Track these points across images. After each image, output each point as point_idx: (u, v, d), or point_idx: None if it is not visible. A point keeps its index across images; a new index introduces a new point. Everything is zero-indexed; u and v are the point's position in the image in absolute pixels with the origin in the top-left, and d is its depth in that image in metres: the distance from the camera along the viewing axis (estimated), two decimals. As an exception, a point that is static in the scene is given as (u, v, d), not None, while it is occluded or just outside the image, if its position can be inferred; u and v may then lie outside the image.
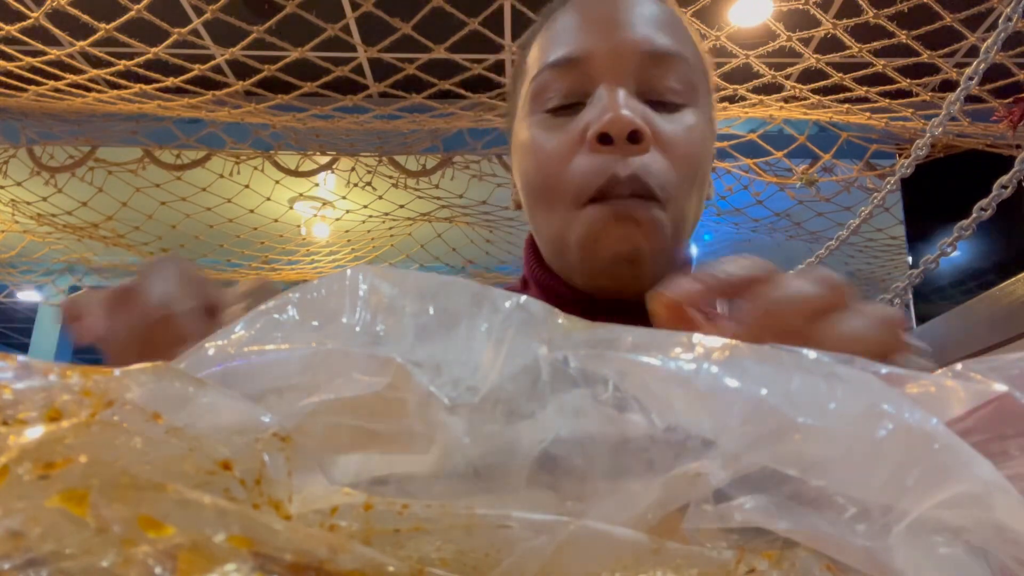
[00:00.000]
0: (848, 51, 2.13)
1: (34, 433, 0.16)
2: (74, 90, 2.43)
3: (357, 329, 0.22)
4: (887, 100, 2.37)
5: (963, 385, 0.23)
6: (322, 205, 3.68)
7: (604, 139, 0.51)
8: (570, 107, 0.55)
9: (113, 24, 2.02)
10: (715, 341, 0.21)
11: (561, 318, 0.23)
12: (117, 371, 0.18)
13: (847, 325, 0.33)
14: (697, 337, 0.22)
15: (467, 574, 0.18)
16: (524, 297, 0.23)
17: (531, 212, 0.59)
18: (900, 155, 2.73)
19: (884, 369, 0.22)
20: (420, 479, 0.20)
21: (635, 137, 0.51)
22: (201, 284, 0.41)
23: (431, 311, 0.22)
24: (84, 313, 0.40)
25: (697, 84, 0.58)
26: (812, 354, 0.22)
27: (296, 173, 2.99)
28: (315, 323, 0.22)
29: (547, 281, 0.60)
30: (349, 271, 0.23)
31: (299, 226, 3.80)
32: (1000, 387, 0.22)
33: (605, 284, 0.56)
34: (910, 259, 3.45)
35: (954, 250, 1.37)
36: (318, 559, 0.16)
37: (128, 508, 0.15)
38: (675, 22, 0.60)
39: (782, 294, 0.33)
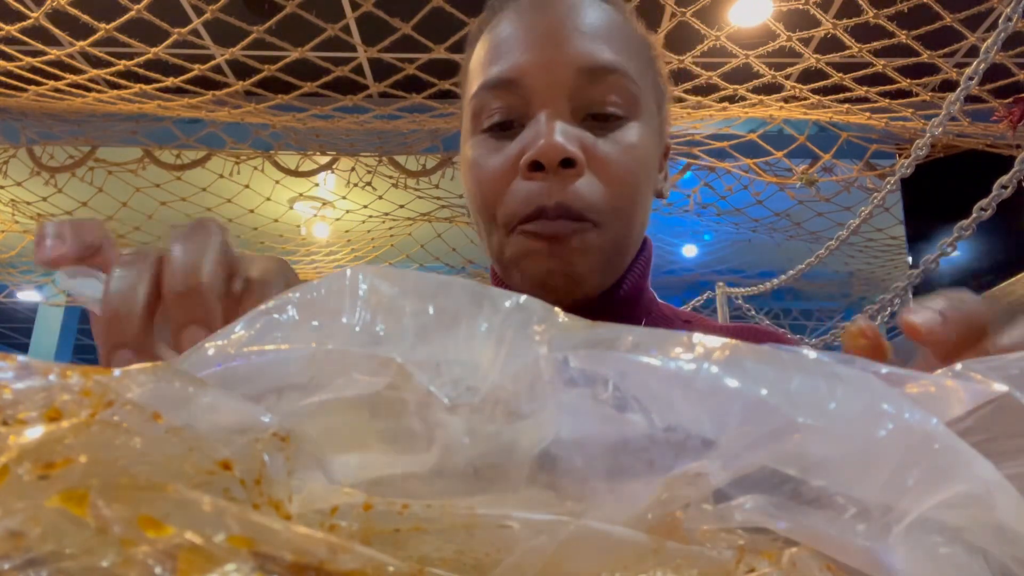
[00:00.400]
0: (848, 51, 2.13)
1: (34, 433, 0.16)
2: (74, 90, 2.43)
3: (357, 329, 0.22)
4: (887, 100, 2.37)
5: (963, 385, 0.23)
6: (322, 205, 3.68)
7: (536, 167, 0.52)
8: (509, 126, 0.55)
9: (113, 24, 2.02)
10: (715, 341, 0.21)
11: (561, 316, 0.23)
12: (117, 371, 0.18)
13: None
14: (697, 337, 0.22)
15: (467, 574, 0.18)
16: (524, 297, 0.23)
17: (476, 227, 0.60)
18: (900, 155, 2.74)
19: (884, 369, 0.22)
20: (420, 478, 0.20)
21: (567, 163, 0.52)
22: (234, 260, 0.35)
23: (431, 311, 0.22)
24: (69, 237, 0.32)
25: (639, 95, 0.56)
26: (812, 354, 0.22)
27: (296, 173, 2.99)
28: (315, 323, 0.22)
29: (501, 286, 0.61)
30: (349, 271, 0.23)
31: (299, 226, 3.81)
32: (1000, 387, 0.22)
33: (545, 298, 0.56)
34: (910, 259, 3.45)
35: (954, 250, 1.37)
36: (318, 559, 0.16)
37: (128, 508, 0.15)
38: (615, 29, 0.58)
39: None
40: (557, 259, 0.53)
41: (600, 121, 0.55)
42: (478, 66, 0.58)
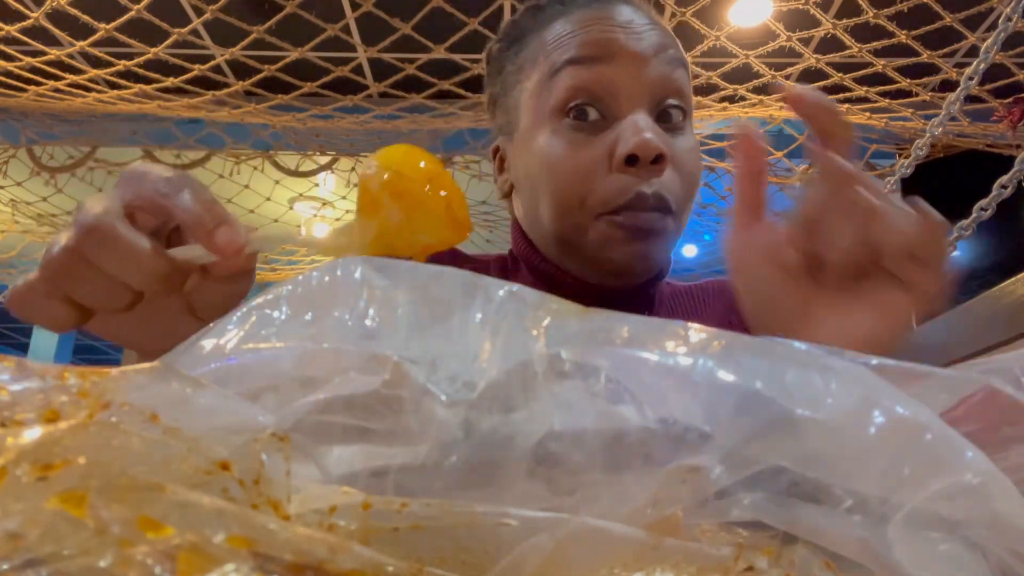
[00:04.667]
0: (848, 51, 2.13)
1: (32, 435, 0.16)
2: (74, 90, 2.43)
3: (349, 323, 0.22)
4: (887, 100, 2.37)
5: (952, 376, 0.23)
6: (322, 205, 3.68)
7: (631, 160, 0.56)
8: (594, 124, 0.59)
9: (113, 24, 2.02)
10: (710, 334, 0.21)
11: (555, 303, 0.23)
12: (114, 372, 0.18)
13: (893, 220, 0.38)
14: (692, 329, 0.22)
15: (466, 572, 0.18)
16: (516, 285, 0.23)
17: (534, 211, 0.63)
18: (900, 155, 2.73)
19: (874, 360, 0.22)
20: (417, 475, 0.20)
21: (658, 159, 0.56)
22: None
23: (424, 302, 0.22)
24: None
25: (691, 96, 0.64)
26: (804, 346, 0.22)
27: (296, 173, 2.99)
28: (307, 317, 0.22)
29: (543, 268, 0.65)
30: (340, 262, 0.23)
31: (299, 226, 3.80)
32: (987, 377, 0.22)
33: (610, 282, 0.61)
34: (910, 259, 3.44)
35: (954, 250, 1.36)
36: (317, 559, 0.16)
37: (127, 509, 0.15)
38: (675, 38, 0.65)
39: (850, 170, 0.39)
40: (640, 245, 0.58)
41: (669, 121, 0.61)
42: (555, 49, 0.61)
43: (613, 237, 0.58)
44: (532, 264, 0.66)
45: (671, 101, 0.60)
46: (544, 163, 0.60)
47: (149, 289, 0.36)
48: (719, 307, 0.71)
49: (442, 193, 0.39)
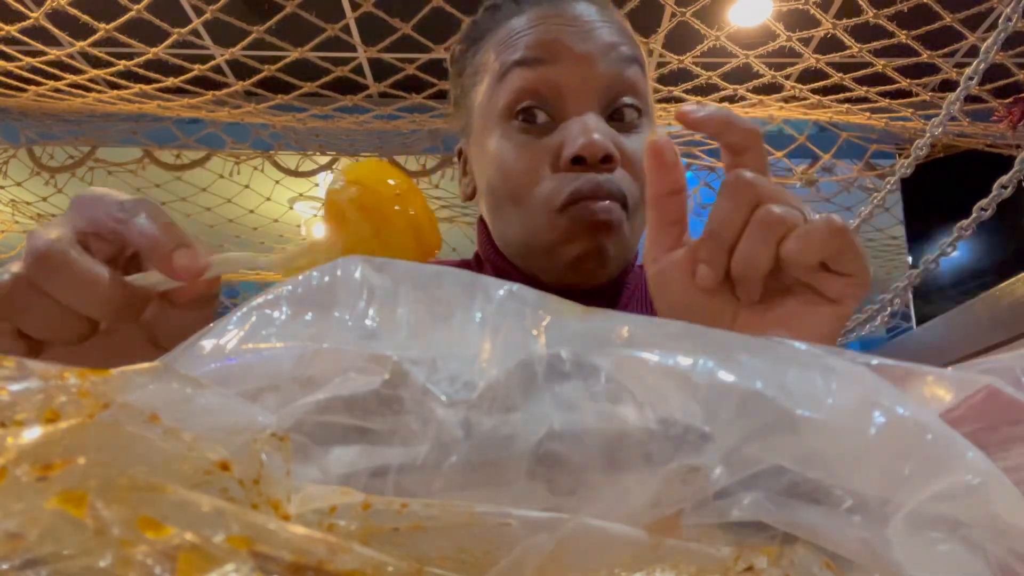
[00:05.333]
0: (848, 51, 2.13)
1: (32, 434, 0.16)
2: (74, 90, 2.43)
3: (349, 323, 0.22)
4: (887, 100, 2.37)
5: (952, 376, 0.23)
6: (322, 205, 3.68)
7: (578, 161, 0.55)
8: (543, 126, 0.58)
9: (113, 24, 2.02)
10: (710, 333, 0.21)
11: (555, 303, 0.23)
12: (114, 372, 0.18)
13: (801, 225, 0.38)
14: (693, 329, 0.22)
15: (466, 572, 0.18)
16: (516, 285, 0.23)
17: (493, 213, 0.63)
18: (900, 155, 2.73)
19: (875, 360, 0.22)
20: (418, 475, 0.20)
21: (607, 160, 0.55)
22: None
23: (424, 302, 0.22)
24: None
25: (647, 93, 0.61)
26: (804, 346, 0.22)
27: (296, 173, 2.99)
28: (307, 317, 0.22)
29: (505, 268, 0.64)
30: (340, 262, 0.23)
31: (299, 226, 3.80)
32: (987, 378, 0.22)
33: (569, 279, 0.60)
34: (910, 259, 3.45)
35: (954, 250, 1.37)
36: (317, 559, 0.16)
37: (127, 509, 0.15)
38: (629, 32, 0.63)
39: (755, 178, 0.39)
40: (597, 238, 0.56)
41: (622, 119, 0.59)
42: (503, 51, 0.60)
43: (569, 231, 0.56)
44: (496, 265, 0.65)
45: (625, 100, 0.59)
46: (495, 166, 0.60)
47: (105, 318, 0.34)
48: None
49: (411, 212, 0.38)
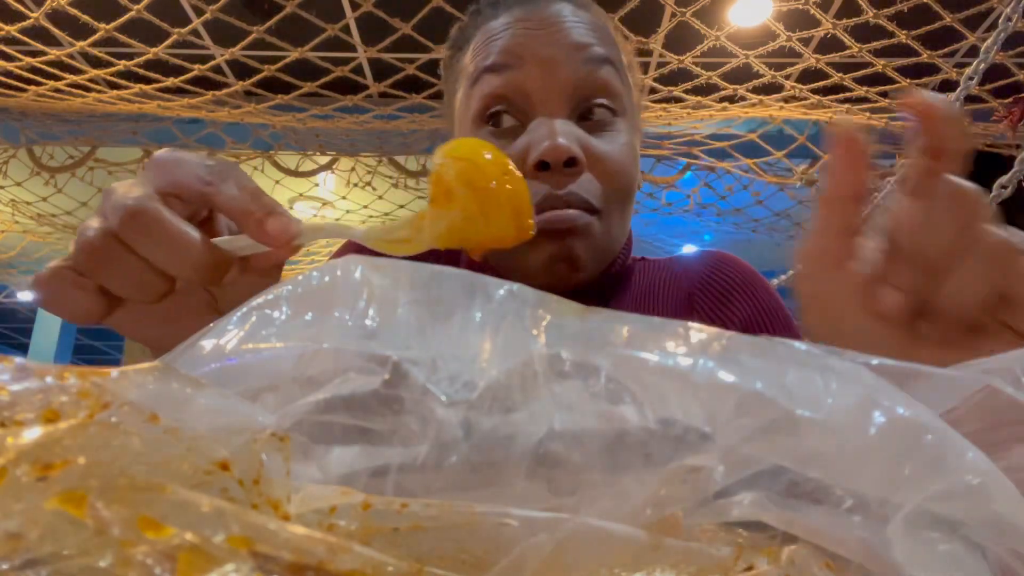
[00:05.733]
0: (848, 51, 2.13)
1: (32, 435, 0.16)
2: (74, 90, 2.43)
3: (349, 323, 0.22)
4: (887, 100, 2.37)
5: (952, 376, 0.23)
6: (322, 205, 3.68)
7: (542, 166, 0.54)
8: (510, 130, 0.58)
9: (113, 24, 2.02)
10: (710, 333, 0.21)
11: (555, 302, 0.23)
12: (114, 372, 0.18)
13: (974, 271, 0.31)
14: (693, 329, 0.22)
15: (466, 572, 0.18)
16: (516, 285, 0.23)
17: None
18: (900, 155, 2.73)
19: (875, 360, 0.22)
20: (418, 475, 0.20)
21: (571, 163, 0.54)
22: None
23: (424, 302, 0.22)
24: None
25: (623, 92, 0.60)
26: (805, 346, 0.22)
27: (296, 173, 2.99)
28: (307, 317, 0.22)
29: (483, 270, 0.63)
30: (340, 262, 0.23)
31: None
32: (987, 378, 0.22)
33: (542, 281, 0.58)
34: (910, 259, 3.44)
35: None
36: (317, 559, 0.16)
37: (127, 509, 0.15)
38: (605, 32, 0.62)
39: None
40: (559, 244, 0.55)
41: (593, 119, 0.58)
42: (476, 57, 0.60)
43: (535, 237, 0.55)
44: (472, 267, 0.65)
45: (598, 100, 0.58)
46: None
47: (193, 279, 0.34)
48: (681, 288, 0.68)
49: (509, 187, 0.38)
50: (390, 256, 0.30)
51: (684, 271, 0.69)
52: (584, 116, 0.58)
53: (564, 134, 0.55)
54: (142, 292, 0.34)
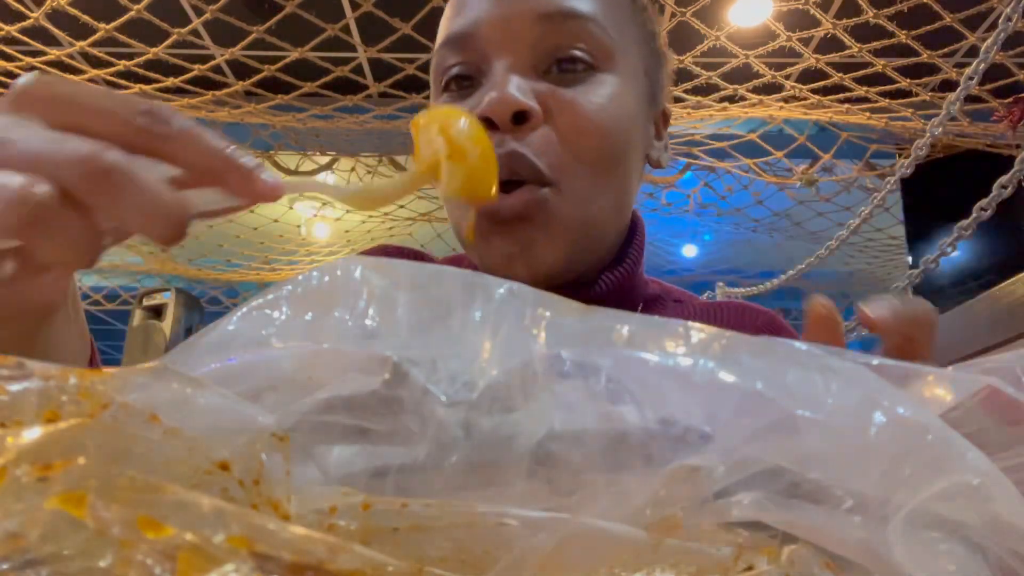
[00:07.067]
0: (848, 51, 2.13)
1: (32, 435, 0.16)
2: (74, 90, 2.43)
3: (349, 323, 0.22)
4: (887, 100, 2.37)
5: (952, 376, 0.23)
6: (322, 205, 3.68)
7: (488, 124, 0.46)
8: (468, 85, 0.52)
9: (113, 24, 2.02)
10: (710, 333, 0.21)
11: (555, 302, 0.23)
12: (114, 372, 0.18)
13: None
14: (693, 329, 0.22)
15: (466, 572, 0.18)
16: (516, 284, 0.23)
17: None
18: (900, 155, 2.73)
19: (875, 360, 0.22)
20: (418, 475, 0.20)
21: (520, 118, 0.47)
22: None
23: (424, 302, 0.22)
24: None
25: (613, 47, 0.51)
26: (805, 347, 0.22)
27: (296, 173, 2.99)
28: (307, 317, 0.22)
29: (467, 265, 0.58)
30: (340, 262, 0.23)
31: (299, 226, 3.80)
32: (987, 378, 0.22)
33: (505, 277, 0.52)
34: (910, 259, 3.45)
35: (954, 250, 1.37)
36: (317, 559, 0.16)
37: (127, 509, 0.15)
38: None
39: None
40: (513, 240, 0.48)
41: (566, 73, 0.50)
42: (440, 31, 0.56)
43: (481, 231, 0.48)
44: (455, 262, 0.62)
45: (575, 52, 0.49)
46: None
47: (159, 241, 0.26)
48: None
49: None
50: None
51: (735, 318, 0.61)
52: (559, 69, 0.50)
53: (518, 86, 0.47)
54: (83, 258, 0.27)
